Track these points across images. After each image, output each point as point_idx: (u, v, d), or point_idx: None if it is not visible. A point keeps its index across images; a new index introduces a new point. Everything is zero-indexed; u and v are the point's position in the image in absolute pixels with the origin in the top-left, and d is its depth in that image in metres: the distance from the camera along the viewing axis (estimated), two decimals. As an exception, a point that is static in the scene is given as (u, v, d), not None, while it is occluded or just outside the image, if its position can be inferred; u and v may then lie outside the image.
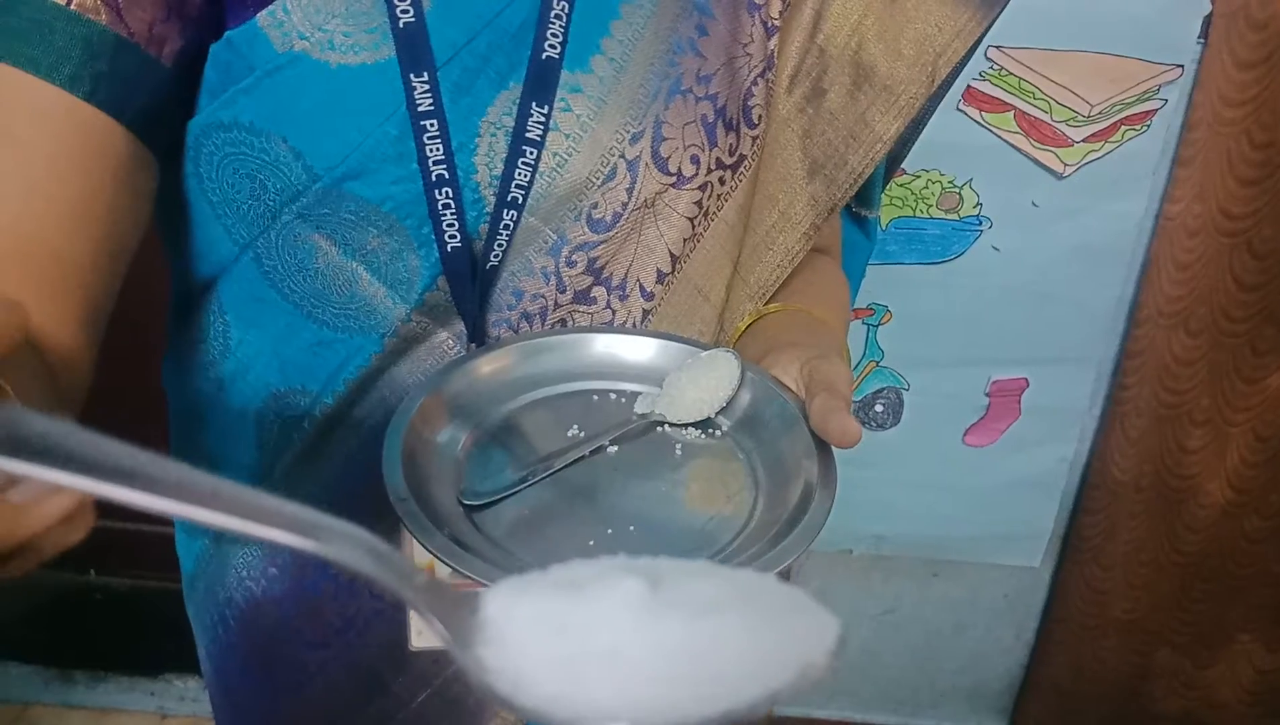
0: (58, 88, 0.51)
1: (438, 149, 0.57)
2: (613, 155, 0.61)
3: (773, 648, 0.28)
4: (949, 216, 1.38)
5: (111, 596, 1.78)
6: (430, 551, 0.46)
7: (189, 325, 0.67)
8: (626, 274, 0.64)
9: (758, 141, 0.66)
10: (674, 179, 0.63)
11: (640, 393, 0.60)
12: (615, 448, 0.56)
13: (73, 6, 0.51)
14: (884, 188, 0.84)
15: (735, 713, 0.27)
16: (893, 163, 0.80)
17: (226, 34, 0.56)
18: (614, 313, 0.65)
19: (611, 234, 0.63)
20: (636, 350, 0.61)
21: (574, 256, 0.63)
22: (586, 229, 0.62)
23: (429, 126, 0.57)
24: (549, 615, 0.29)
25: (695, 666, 0.28)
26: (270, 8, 0.55)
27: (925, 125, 0.76)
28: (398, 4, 0.56)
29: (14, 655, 1.79)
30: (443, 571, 0.64)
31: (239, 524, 0.26)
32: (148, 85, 0.54)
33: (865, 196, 0.82)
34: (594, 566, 0.31)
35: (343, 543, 0.29)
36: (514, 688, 0.28)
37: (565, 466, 0.54)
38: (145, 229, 0.59)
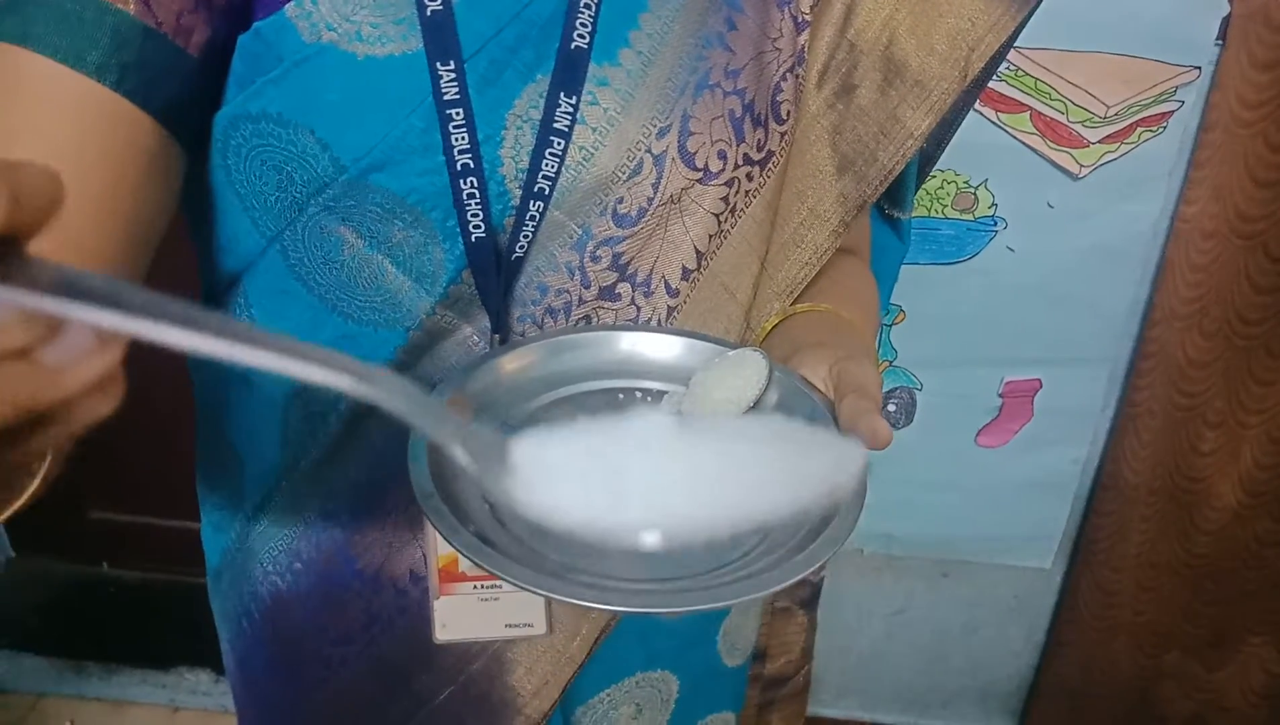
0: (85, 76, 0.51)
1: (463, 139, 0.57)
2: (639, 149, 0.61)
3: (800, 469, 0.29)
4: (964, 217, 1.38)
5: (124, 589, 1.80)
6: (456, 548, 0.46)
7: None
8: (652, 270, 0.64)
9: (786, 137, 0.66)
10: (700, 174, 0.63)
11: (667, 392, 0.59)
12: None
13: None
14: (917, 189, 0.83)
15: (766, 525, 0.27)
16: (926, 163, 0.79)
17: (255, 25, 0.56)
18: (639, 309, 0.64)
19: (637, 229, 0.62)
20: (663, 349, 0.61)
21: (599, 251, 0.62)
22: (612, 224, 0.62)
23: (455, 116, 0.57)
24: (581, 448, 0.30)
25: (725, 484, 0.28)
26: None
27: (959, 124, 0.75)
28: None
29: (27, 647, 1.81)
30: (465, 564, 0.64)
31: (289, 365, 0.26)
32: (175, 75, 0.54)
33: (898, 198, 0.82)
34: (621, 414, 0.32)
35: (383, 385, 0.30)
36: (545, 516, 0.29)
37: None
38: (170, 221, 0.59)
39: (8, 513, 0.43)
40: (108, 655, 1.81)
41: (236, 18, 0.57)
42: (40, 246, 0.50)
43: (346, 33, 0.55)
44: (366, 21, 0.56)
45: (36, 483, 0.43)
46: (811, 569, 0.46)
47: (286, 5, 0.55)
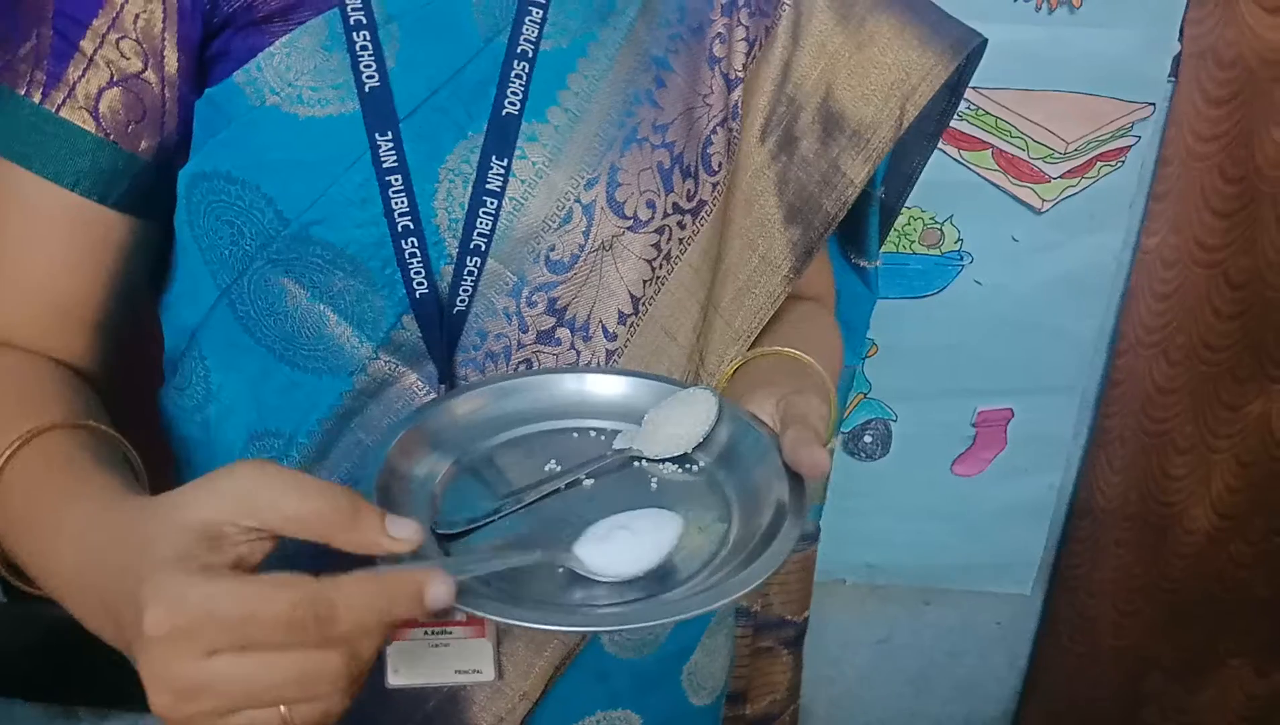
0: (58, 186, 0.61)
1: (402, 202, 0.61)
2: (568, 200, 0.64)
3: (658, 541, 0.53)
4: (931, 252, 1.41)
5: (115, 633, 1.80)
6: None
7: (176, 373, 0.70)
8: (589, 315, 0.66)
9: (718, 187, 0.69)
10: (630, 222, 0.66)
11: (620, 430, 0.61)
12: (591, 481, 0.57)
13: (61, 113, 0.60)
14: (882, 239, 0.86)
15: (649, 569, 0.52)
16: (888, 215, 0.83)
17: (207, 92, 0.61)
18: (578, 353, 0.67)
19: (570, 275, 0.65)
20: (616, 389, 0.63)
21: (534, 297, 0.65)
22: (545, 270, 0.65)
23: (394, 181, 0.61)
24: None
25: (633, 552, 0.52)
26: (245, 66, 0.60)
27: (918, 177, 0.80)
28: (364, 70, 0.60)
29: (18, 693, 1.81)
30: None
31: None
32: (127, 175, 0.62)
33: (863, 246, 0.84)
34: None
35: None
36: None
37: (541, 498, 0.56)
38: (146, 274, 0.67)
39: None
40: (99, 700, 1.82)
41: (194, 91, 0.62)
42: (50, 320, 0.64)
43: (289, 96, 0.60)
44: (307, 86, 0.60)
45: None
46: (746, 590, 0.49)
47: (235, 73, 0.60)
